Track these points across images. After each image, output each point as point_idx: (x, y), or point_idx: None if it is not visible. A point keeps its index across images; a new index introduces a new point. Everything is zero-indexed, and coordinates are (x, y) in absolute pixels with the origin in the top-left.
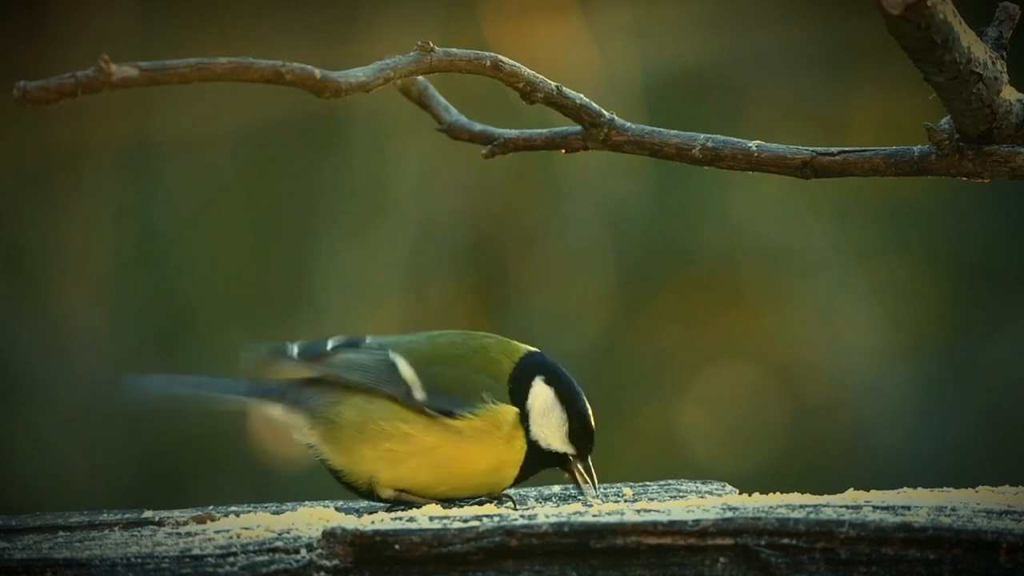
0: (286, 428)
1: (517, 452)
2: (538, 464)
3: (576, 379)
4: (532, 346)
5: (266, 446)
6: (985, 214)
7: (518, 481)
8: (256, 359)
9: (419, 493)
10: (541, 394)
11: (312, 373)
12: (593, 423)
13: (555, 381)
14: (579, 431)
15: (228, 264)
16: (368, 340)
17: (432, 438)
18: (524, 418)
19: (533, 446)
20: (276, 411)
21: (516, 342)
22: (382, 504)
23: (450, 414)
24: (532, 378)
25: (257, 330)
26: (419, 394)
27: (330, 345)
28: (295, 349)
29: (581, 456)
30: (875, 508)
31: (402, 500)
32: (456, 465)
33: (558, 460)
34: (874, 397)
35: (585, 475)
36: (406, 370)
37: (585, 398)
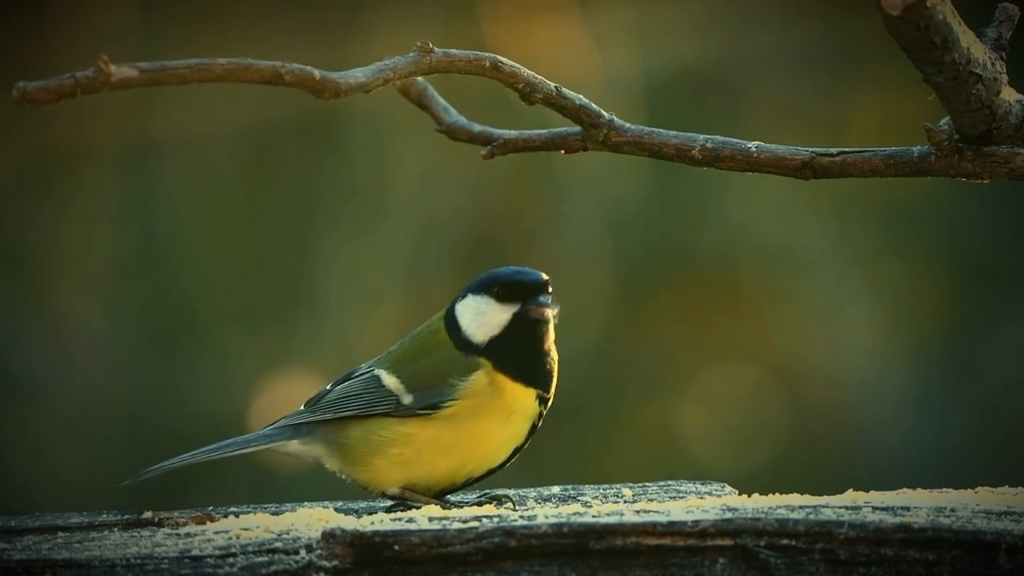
0: (310, 460)
1: (512, 396)
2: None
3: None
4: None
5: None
6: (985, 214)
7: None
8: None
9: (451, 481)
10: (464, 314)
11: (316, 417)
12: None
13: (454, 306)
14: (506, 293)
15: (228, 264)
16: (362, 367)
17: (431, 431)
18: (497, 363)
19: (510, 346)
20: (294, 447)
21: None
22: (394, 504)
23: (436, 407)
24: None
25: (257, 330)
26: (407, 399)
27: (328, 387)
28: (302, 407)
29: (532, 294)
30: (874, 509)
31: (404, 498)
32: (470, 444)
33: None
34: (874, 397)
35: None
36: (389, 379)
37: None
